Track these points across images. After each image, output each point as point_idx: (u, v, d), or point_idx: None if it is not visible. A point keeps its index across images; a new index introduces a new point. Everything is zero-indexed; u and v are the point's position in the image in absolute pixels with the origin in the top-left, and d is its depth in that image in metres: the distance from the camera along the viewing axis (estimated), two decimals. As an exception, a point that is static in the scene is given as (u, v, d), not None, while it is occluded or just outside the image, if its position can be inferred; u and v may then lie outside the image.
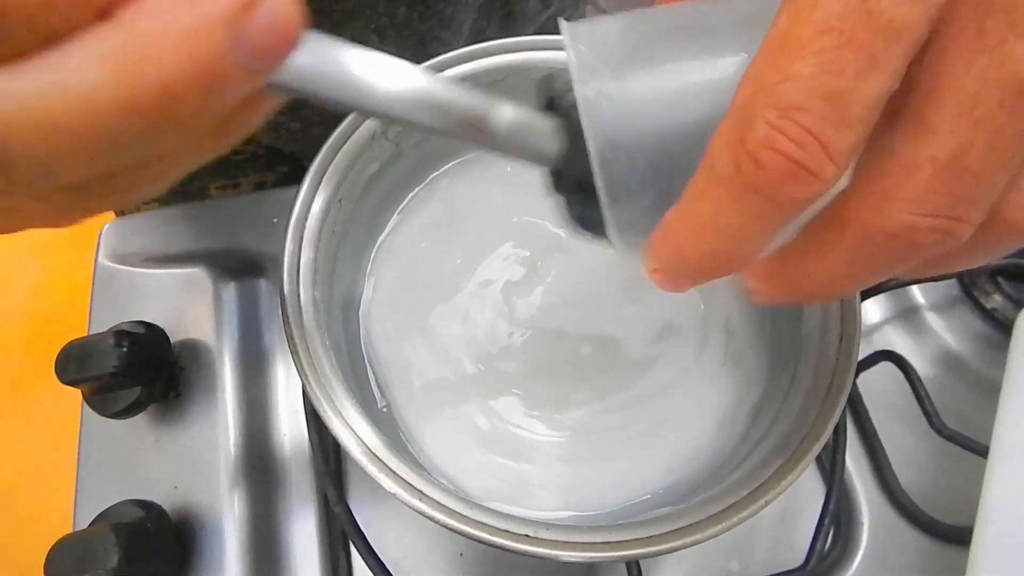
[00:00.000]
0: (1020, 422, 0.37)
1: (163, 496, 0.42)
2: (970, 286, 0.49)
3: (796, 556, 0.40)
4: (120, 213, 0.62)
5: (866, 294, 0.46)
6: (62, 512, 0.42)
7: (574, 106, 0.26)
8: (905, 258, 0.19)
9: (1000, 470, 0.37)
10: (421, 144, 0.42)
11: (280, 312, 0.34)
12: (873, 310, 0.50)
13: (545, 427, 0.38)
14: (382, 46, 0.49)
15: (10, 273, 1.68)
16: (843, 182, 0.18)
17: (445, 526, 0.29)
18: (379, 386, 0.39)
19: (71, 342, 0.41)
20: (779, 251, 0.21)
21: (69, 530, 0.40)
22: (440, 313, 0.41)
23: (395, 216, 0.43)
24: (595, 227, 0.27)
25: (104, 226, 0.51)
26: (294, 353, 0.33)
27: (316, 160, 0.37)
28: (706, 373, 0.40)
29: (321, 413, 0.31)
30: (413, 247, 0.42)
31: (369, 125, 0.38)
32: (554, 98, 0.28)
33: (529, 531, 0.29)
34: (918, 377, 0.44)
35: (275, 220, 0.51)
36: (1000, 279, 0.47)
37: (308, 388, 0.32)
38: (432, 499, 0.29)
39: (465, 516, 0.29)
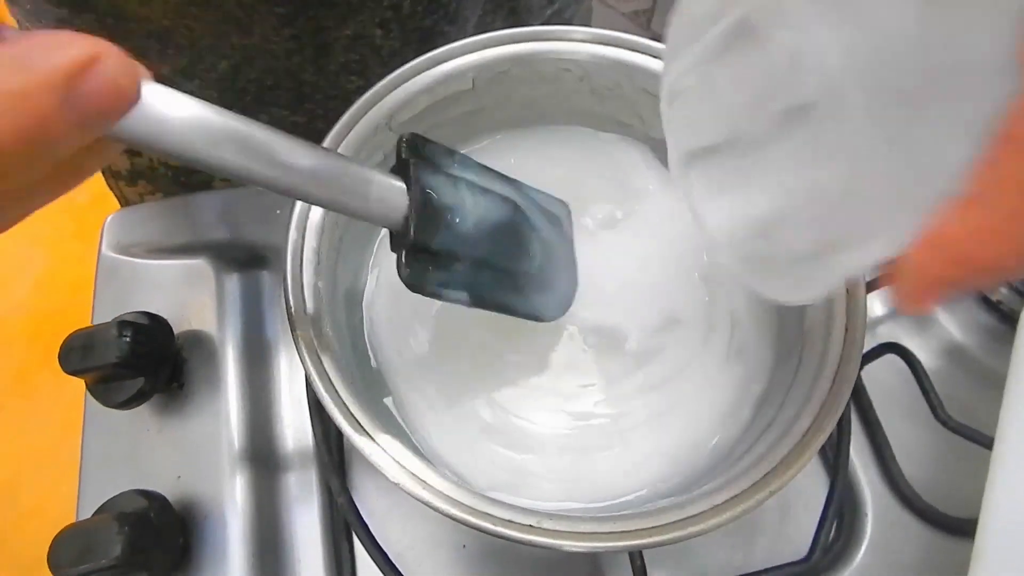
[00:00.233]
0: (1025, 414, 0.37)
1: (166, 486, 0.42)
2: (975, 278, 0.49)
3: (800, 548, 0.40)
4: (124, 203, 0.62)
5: (871, 286, 0.45)
6: (66, 503, 0.42)
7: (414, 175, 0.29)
8: None
9: (1005, 462, 0.36)
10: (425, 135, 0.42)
11: (283, 302, 0.34)
12: (878, 302, 0.50)
13: (549, 418, 0.38)
14: (386, 40, 0.49)
15: (14, 266, 1.69)
16: None
17: (449, 516, 0.29)
18: (382, 376, 0.39)
19: (75, 332, 0.41)
20: None
21: (73, 520, 0.40)
22: (444, 304, 0.41)
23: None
24: (421, 286, 0.30)
25: (108, 217, 0.52)
26: (297, 343, 0.33)
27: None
28: (710, 364, 0.40)
29: (324, 403, 0.31)
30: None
31: (373, 115, 0.38)
32: (403, 161, 0.31)
33: (533, 521, 0.29)
34: (923, 369, 0.44)
35: (278, 212, 0.50)
36: (1006, 271, 0.47)
37: (311, 378, 0.32)
38: (436, 489, 0.29)
39: (469, 506, 0.29)
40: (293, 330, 0.33)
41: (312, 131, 0.56)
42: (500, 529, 0.29)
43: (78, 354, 0.40)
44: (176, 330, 0.46)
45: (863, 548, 0.43)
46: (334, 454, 0.43)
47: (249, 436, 0.44)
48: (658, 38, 0.40)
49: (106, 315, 0.44)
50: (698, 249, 0.42)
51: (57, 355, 0.40)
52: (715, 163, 0.31)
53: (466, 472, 0.37)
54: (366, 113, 0.38)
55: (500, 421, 0.38)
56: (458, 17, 0.52)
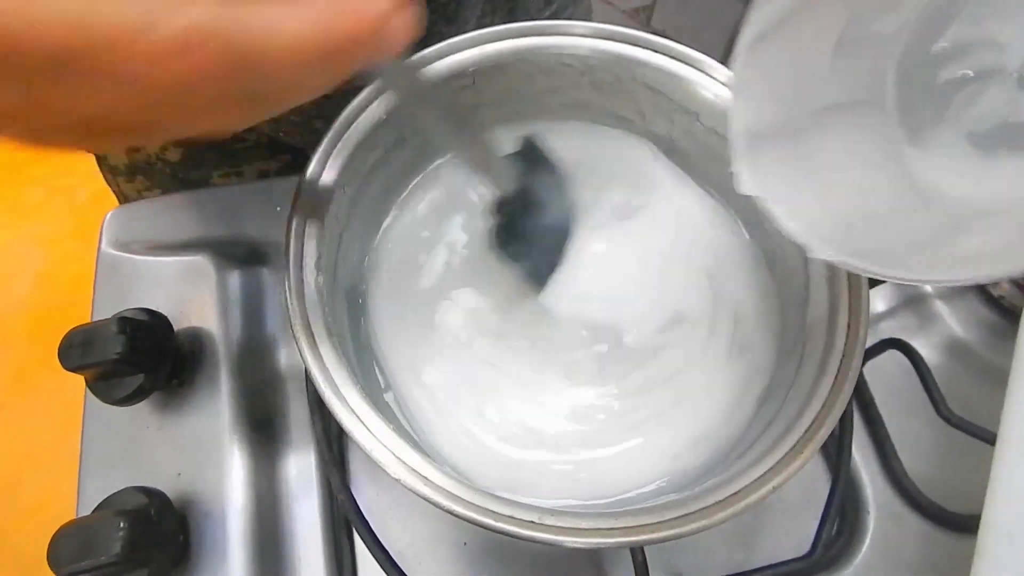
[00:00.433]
0: (1028, 410, 0.37)
1: (166, 483, 0.42)
2: (978, 274, 0.49)
3: (802, 544, 0.40)
4: (122, 199, 0.62)
5: (874, 282, 0.45)
6: (66, 500, 0.42)
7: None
8: None
9: (1008, 458, 0.36)
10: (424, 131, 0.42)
11: (283, 298, 0.34)
12: (881, 298, 0.50)
13: (550, 415, 0.38)
14: None
15: (14, 263, 1.69)
16: None
17: (449, 512, 0.29)
18: (382, 372, 0.39)
19: (74, 328, 0.41)
20: None
21: (73, 517, 0.40)
22: (444, 301, 0.41)
23: (398, 203, 0.43)
24: (512, 254, 0.39)
25: (107, 214, 0.51)
26: (297, 340, 0.32)
27: (320, 147, 0.37)
28: (712, 362, 0.39)
29: (324, 399, 0.31)
30: (417, 234, 0.42)
31: (373, 112, 0.38)
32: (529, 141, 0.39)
33: (534, 517, 0.29)
34: (925, 365, 0.44)
35: (279, 208, 0.50)
36: (1008, 267, 0.47)
37: (311, 374, 0.32)
38: (436, 485, 0.29)
39: (470, 502, 0.29)
40: (293, 326, 0.33)
41: (309, 130, 0.56)
42: (501, 525, 0.28)
43: (78, 351, 0.40)
44: (176, 327, 0.45)
45: (865, 544, 0.43)
46: (334, 450, 0.43)
47: (249, 433, 0.43)
48: (659, 34, 0.39)
49: (106, 312, 0.44)
50: (707, 246, 0.41)
51: (57, 352, 0.40)
52: (798, 148, 0.29)
53: (467, 469, 0.36)
54: (366, 108, 0.38)
55: (501, 418, 0.38)
56: (457, 18, 0.52)
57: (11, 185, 1.78)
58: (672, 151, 0.43)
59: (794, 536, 0.43)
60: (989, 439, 0.38)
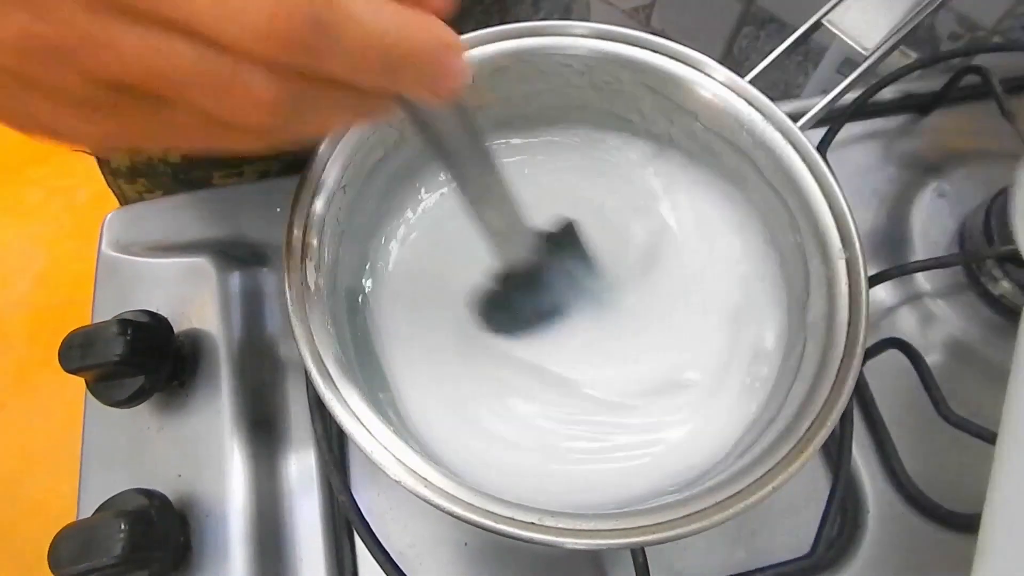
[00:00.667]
0: (1029, 409, 0.37)
1: (167, 484, 0.42)
2: (977, 272, 0.49)
3: (802, 544, 0.40)
4: (123, 201, 0.62)
5: (873, 281, 0.45)
6: (67, 500, 0.42)
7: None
8: None
9: (1008, 457, 0.36)
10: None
11: (283, 300, 0.34)
12: (880, 297, 0.49)
13: (550, 419, 0.38)
14: None
15: (15, 262, 1.69)
16: None
17: (450, 514, 0.29)
18: (383, 374, 0.39)
19: (75, 330, 0.41)
20: None
21: (73, 518, 0.40)
22: (444, 303, 0.41)
23: (399, 203, 0.43)
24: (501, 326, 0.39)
25: (107, 215, 0.51)
26: (297, 341, 0.32)
27: (320, 147, 0.37)
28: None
29: (325, 400, 0.31)
30: (417, 236, 0.42)
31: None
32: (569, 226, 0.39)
33: (534, 518, 0.29)
34: (925, 364, 0.44)
35: (279, 209, 0.50)
36: (1007, 265, 0.47)
37: (311, 376, 0.32)
38: (436, 487, 0.29)
39: (470, 504, 0.29)
40: (293, 328, 0.33)
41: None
42: (501, 527, 0.28)
43: (78, 352, 0.40)
44: (176, 328, 0.45)
45: (866, 544, 0.43)
46: (335, 451, 0.43)
47: (250, 434, 0.43)
48: (658, 34, 0.39)
49: (106, 313, 0.44)
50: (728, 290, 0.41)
51: (57, 353, 0.40)
52: None
53: (467, 470, 0.36)
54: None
55: (500, 421, 0.38)
56: (457, 22, 0.52)
57: (11, 185, 1.78)
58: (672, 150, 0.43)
59: (795, 536, 0.43)
60: (989, 438, 0.38)
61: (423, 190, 0.43)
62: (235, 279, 0.49)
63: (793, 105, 0.51)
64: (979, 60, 0.54)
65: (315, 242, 0.35)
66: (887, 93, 0.54)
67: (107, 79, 0.20)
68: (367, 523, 0.38)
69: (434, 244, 0.42)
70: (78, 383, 0.43)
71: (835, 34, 0.43)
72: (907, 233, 0.51)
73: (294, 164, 0.60)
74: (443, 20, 0.23)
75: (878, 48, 0.43)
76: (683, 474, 0.37)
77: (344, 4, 0.20)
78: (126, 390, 0.41)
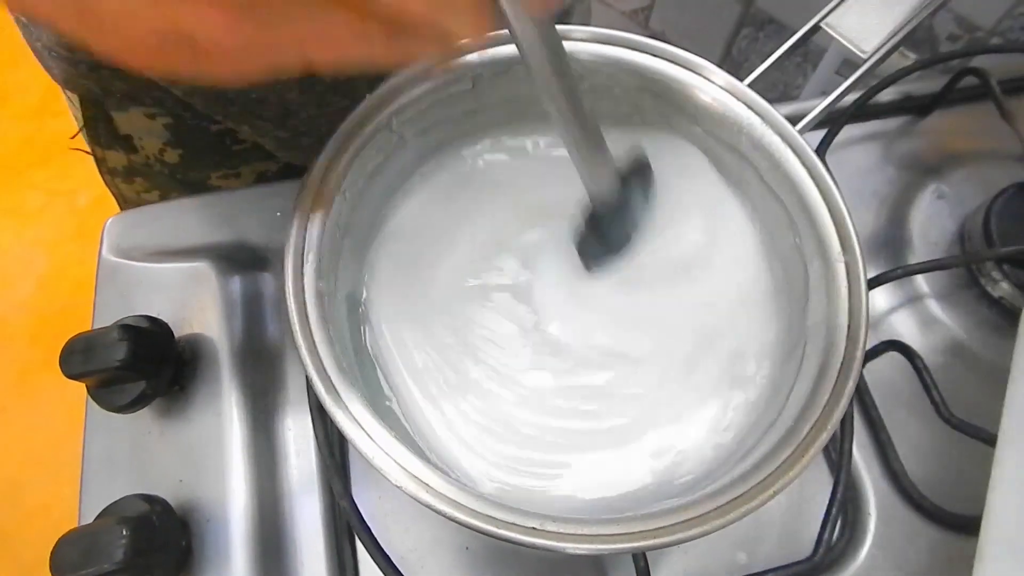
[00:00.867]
0: (1029, 410, 0.37)
1: (168, 490, 0.42)
2: (976, 274, 0.49)
3: (804, 547, 0.40)
4: (120, 200, 0.62)
5: (873, 283, 0.45)
6: (68, 503, 0.42)
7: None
8: None
9: (1008, 458, 0.36)
10: (425, 134, 0.42)
11: (284, 304, 0.34)
12: (880, 300, 0.49)
13: (553, 417, 0.38)
14: None
15: (16, 267, 1.69)
16: None
17: (451, 519, 0.29)
18: (384, 379, 0.39)
19: (76, 336, 0.41)
20: None
21: (75, 523, 0.40)
22: (443, 306, 0.41)
23: (400, 209, 0.43)
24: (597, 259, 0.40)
25: (107, 221, 0.51)
26: (297, 346, 0.33)
27: (321, 151, 0.37)
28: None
29: (326, 406, 0.31)
30: (417, 239, 0.42)
31: (376, 117, 0.38)
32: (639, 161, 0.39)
33: (536, 523, 0.29)
34: (925, 366, 0.44)
35: (279, 213, 0.50)
36: (1007, 267, 0.47)
37: (312, 381, 0.32)
38: (438, 492, 0.29)
39: (471, 509, 0.29)
40: (294, 332, 0.33)
41: (297, 146, 0.56)
42: (503, 532, 0.28)
43: (79, 358, 0.40)
44: (177, 333, 0.46)
45: (867, 546, 0.43)
46: (336, 456, 0.43)
47: (251, 439, 0.43)
48: (656, 37, 0.39)
49: (107, 319, 0.44)
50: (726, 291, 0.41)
51: (58, 359, 0.40)
52: None
53: (471, 474, 0.36)
54: (369, 115, 0.38)
55: (502, 423, 0.38)
56: None
57: (12, 189, 1.78)
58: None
59: (796, 539, 0.43)
60: (990, 440, 0.38)
61: (423, 195, 0.43)
62: (236, 284, 0.49)
63: (792, 107, 0.51)
64: (977, 61, 0.54)
65: (316, 246, 0.35)
66: (886, 95, 0.54)
67: None
68: (368, 527, 0.38)
69: (434, 248, 0.42)
70: (79, 387, 0.43)
71: (833, 37, 0.43)
72: (907, 235, 0.51)
73: (292, 165, 0.61)
74: None
75: (877, 51, 0.43)
76: (686, 460, 0.37)
77: None
78: (127, 395, 0.42)
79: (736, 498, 0.30)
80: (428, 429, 0.38)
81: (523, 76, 0.40)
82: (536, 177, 0.44)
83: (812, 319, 0.36)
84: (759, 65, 0.42)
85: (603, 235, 0.39)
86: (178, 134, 0.55)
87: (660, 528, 0.29)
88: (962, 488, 0.43)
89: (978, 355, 0.48)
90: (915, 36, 0.44)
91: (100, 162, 0.61)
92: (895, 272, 0.47)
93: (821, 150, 0.51)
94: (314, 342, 0.33)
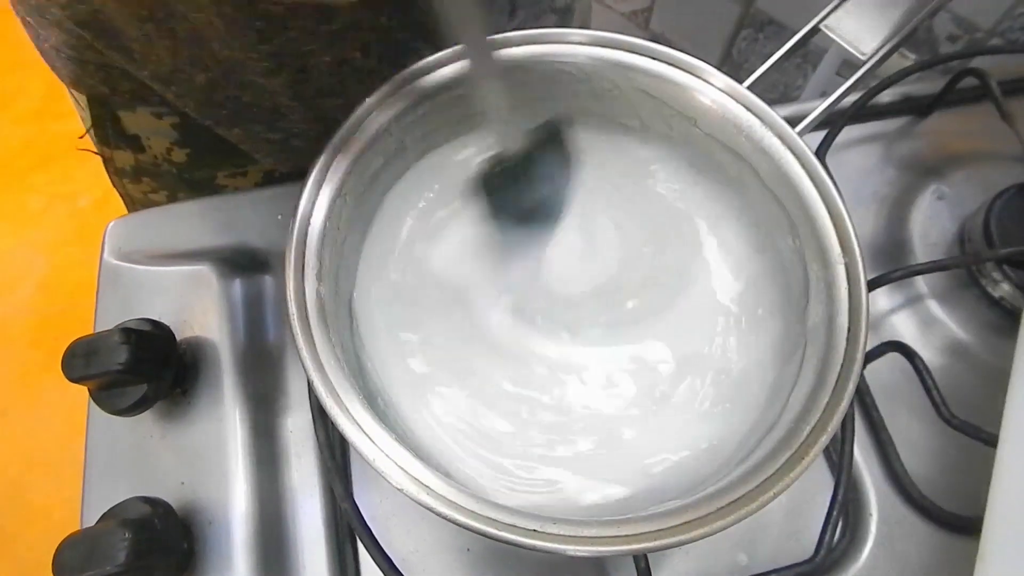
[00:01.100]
0: (1029, 411, 0.37)
1: (170, 492, 0.42)
2: (977, 275, 0.49)
3: (805, 548, 0.40)
4: (128, 201, 0.63)
5: (873, 284, 0.45)
6: (70, 506, 0.43)
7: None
8: None
9: (1010, 459, 0.36)
10: (425, 138, 0.42)
11: (284, 307, 0.34)
12: (880, 301, 0.49)
13: (551, 420, 0.38)
14: (366, 61, 0.49)
15: (17, 270, 1.69)
16: None
17: (452, 521, 0.29)
18: (382, 382, 0.39)
19: (77, 339, 0.41)
20: None
21: (77, 526, 0.40)
22: (440, 311, 0.41)
23: (400, 212, 0.43)
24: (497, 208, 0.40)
25: (109, 224, 0.52)
26: (299, 348, 0.33)
27: (321, 155, 0.37)
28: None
29: (326, 408, 0.31)
30: (417, 243, 0.42)
31: (375, 120, 0.38)
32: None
33: (536, 525, 0.29)
34: (926, 367, 0.44)
35: (280, 217, 0.51)
36: (1007, 267, 0.47)
37: (313, 383, 0.32)
38: (438, 494, 0.29)
39: (471, 511, 0.29)
40: (295, 335, 0.33)
41: (288, 148, 0.56)
42: (503, 534, 0.29)
43: (81, 361, 0.40)
44: (179, 336, 0.46)
45: (868, 547, 0.43)
46: (337, 459, 0.43)
47: (252, 442, 0.44)
48: (656, 38, 0.40)
49: (109, 322, 0.44)
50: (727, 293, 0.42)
51: (60, 361, 0.40)
52: None
53: (467, 479, 0.36)
54: (368, 117, 0.38)
55: (498, 426, 0.38)
56: (434, 35, 0.52)
57: (13, 192, 1.78)
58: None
59: (797, 539, 0.43)
60: (991, 441, 0.38)
61: (422, 198, 0.44)
62: (237, 287, 0.49)
63: (792, 108, 0.51)
64: (977, 62, 0.54)
65: (316, 249, 0.36)
66: (886, 96, 0.54)
67: None
68: (370, 529, 0.38)
69: (433, 252, 0.42)
70: (80, 389, 0.43)
71: (833, 38, 0.43)
72: (907, 236, 0.51)
73: (297, 168, 0.61)
74: None
75: (876, 52, 0.43)
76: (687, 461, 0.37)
77: None
78: (129, 398, 0.42)
79: (737, 499, 0.30)
80: (420, 434, 0.38)
81: (520, 80, 0.41)
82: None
83: (812, 320, 0.36)
84: (759, 66, 0.42)
85: (508, 184, 0.40)
86: (185, 133, 0.55)
87: (661, 530, 0.29)
88: (963, 489, 0.43)
89: (979, 356, 0.48)
90: (915, 37, 0.44)
91: (108, 162, 0.61)
92: (895, 273, 0.47)
93: (821, 151, 0.51)
94: (315, 345, 0.33)
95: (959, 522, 0.42)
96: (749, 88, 0.39)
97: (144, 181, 0.60)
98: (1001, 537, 0.35)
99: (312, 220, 0.36)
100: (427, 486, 0.30)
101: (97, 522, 0.39)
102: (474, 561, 0.42)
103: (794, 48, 0.44)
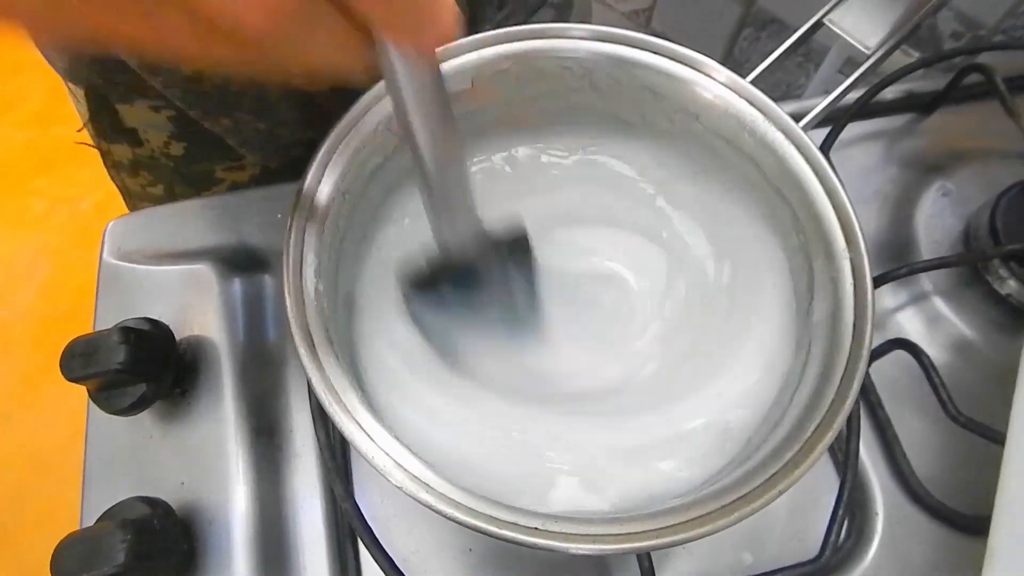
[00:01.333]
0: (1037, 408, 0.37)
1: (170, 493, 0.42)
2: (983, 272, 0.48)
3: (810, 547, 0.40)
4: (125, 193, 0.62)
5: (878, 282, 0.45)
6: (72, 509, 0.42)
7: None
8: None
9: (1017, 457, 0.36)
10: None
11: (283, 306, 0.34)
12: (885, 298, 0.49)
13: (552, 422, 0.38)
14: None
15: (19, 273, 1.69)
16: None
17: (452, 519, 0.28)
18: (380, 381, 0.39)
19: (76, 339, 0.41)
20: None
21: (78, 528, 0.40)
22: (438, 310, 0.40)
23: (398, 210, 0.43)
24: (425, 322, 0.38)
25: (109, 224, 0.51)
26: (297, 347, 0.32)
27: (319, 152, 0.37)
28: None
29: (326, 407, 0.31)
30: (416, 241, 0.42)
31: (373, 115, 0.38)
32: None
33: (538, 523, 0.29)
34: (932, 364, 0.43)
35: (279, 216, 0.50)
36: (1013, 264, 0.46)
37: (312, 383, 0.31)
38: (439, 492, 0.29)
39: (472, 509, 0.29)
40: (293, 334, 0.33)
41: (274, 138, 0.55)
42: (504, 532, 0.28)
43: (80, 361, 0.40)
44: (178, 336, 0.45)
45: (874, 546, 0.42)
46: (338, 459, 0.43)
47: (252, 441, 0.43)
48: (658, 36, 0.39)
49: (108, 322, 0.44)
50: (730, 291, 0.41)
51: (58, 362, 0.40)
52: None
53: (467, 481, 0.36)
54: (367, 113, 0.38)
55: (495, 427, 0.37)
56: None
57: (14, 196, 1.78)
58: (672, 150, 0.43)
59: (802, 539, 0.43)
60: (998, 439, 0.38)
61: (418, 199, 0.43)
62: (236, 286, 0.49)
63: (795, 105, 0.51)
64: (981, 59, 0.54)
65: (315, 248, 0.35)
66: (889, 93, 0.54)
67: None
68: (371, 530, 0.38)
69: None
70: (83, 391, 0.43)
71: (837, 34, 0.43)
72: (911, 233, 0.51)
73: (301, 158, 0.60)
74: None
75: (880, 47, 0.42)
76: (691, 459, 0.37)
77: None
78: (128, 398, 0.41)
79: (741, 497, 0.30)
80: (415, 433, 0.37)
81: (521, 75, 0.40)
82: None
83: (817, 317, 0.36)
84: (761, 65, 0.42)
85: (438, 288, 0.37)
86: (182, 127, 0.55)
87: (664, 528, 0.29)
88: (970, 487, 0.43)
89: (985, 353, 0.47)
90: (918, 35, 0.44)
91: (105, 156, 0.61)
92: (900, 270, 0.46)
93: (824, 148, 0.50)
94: (313, 343, 0.33)
95: (966, 521, 0.42)
96: (751, 84, 0.39)
97: (141, 175, 0.60)
98: (1009, 536, 0.35)
99: (311, 217, 0.36)
100: (427, 484, 0.29)
101: (96, 522, 0.39)
102: (476, 561, 0.42)
103: (797, 44, 0.44)
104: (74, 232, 1.74)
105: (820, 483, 0.44)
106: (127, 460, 0.43)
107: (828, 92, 0.43)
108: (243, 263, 0.49)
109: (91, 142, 0.59)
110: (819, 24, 0.44)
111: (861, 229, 0.35)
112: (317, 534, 0.42)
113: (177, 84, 0.50)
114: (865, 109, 0.52)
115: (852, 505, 0.43)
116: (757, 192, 0.40)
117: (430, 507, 0.29)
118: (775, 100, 0.38)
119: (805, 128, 0.38)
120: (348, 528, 0.43)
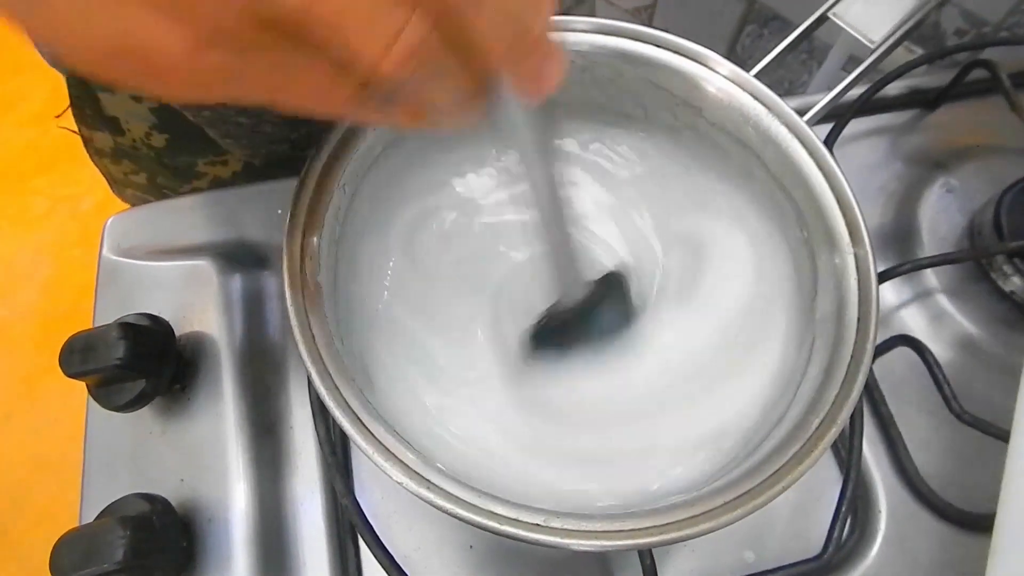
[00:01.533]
0: (1042, 405, 0.37)
1: (169, 489, 0.41)
2: (987, 268, 0.48)
3: (813, 545, 0.40)
4: (110, 180, 0.62)
5: (882, 278, 0.45)
6: (74, 508, 0.42)
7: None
8: None
9: (1022, 454, 0.36)
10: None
11: (283, 302, 0.33)
12: (890, 294, 0.49)
13: (552, 423, 0.38)
14: None
15: (21, 272, 1.69)
16: None
17: (453, 515, 0.28)
18: (381, 377, 0.38)
19: (75, 334, 0.41)
20: None
21: (78, 525, 0.40)
22: (438, 305, 0.40)
23: (397, 203, 0.43)
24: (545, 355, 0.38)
25: (108, 220, 0.51)
26: (298, 343, 0.32)
27: (318, 145, 0.37)
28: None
29: (326, 403, 0.31)
30: (415, 234, 0.42)
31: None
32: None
33: (540, 520, 0.28)
34: (936, 361, 0.43)
35: (279, 211, 0.50)
36: (1018, 260, 0.46)
37: (313, 379, 0.31)
38: (440, 488, 0.29)
39: (473, 504, 0.28)
40: (294, 329, 0.32)
41: (259, 134, 0.55)
42: (506, 528, 0.28)
43: (79, 356, 0.40)
44: (178, 332, 0.45)
45: (877, 544, 0.42)
46: (338, 455, 0.43)
47: (252, 438, 0.43)
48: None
49: (107, 318, 0.44)
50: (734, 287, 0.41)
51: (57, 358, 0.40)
52: None
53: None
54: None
55: (497, 425, 0.37)
56: None
57: (16, 195, 1.78)
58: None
59: (805, 536, 0.43)
60: (1002, 436, 0.38)
61: (421, 189, 0.43)
62: (236, 282, 0.48)
63: (798, 101, 0.51)
64: (986, 55, 0.53)
65: (315, 243, 0.35)
66: (893, 88, 0.54)
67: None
68: (371, 527, 0.37)
69: (431, 242, 0.42)
70: (84, 391, 0.42)
71: (841, 27, 0.43)
72: (915, 229, 0.51)
73: (291, 154, 0.60)
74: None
75: (884, 41, 0.42)
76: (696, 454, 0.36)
77: None
78: (127, 394, 0.41)
79: (744, 494, 0.30)
80: (415, 430, 0.37)
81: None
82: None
83: (821, 313, 0.36)
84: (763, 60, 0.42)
85: (560, 331, 0.38)
86: (164, 118, 0.55)
87: (667, 524, 0.29)
88: (974, 485, 0.43)
89: (989, 350, 0.47)
90: (922, 32, 0.44)
91: (87, 142, 0.60)
92: (904, 266, 0.46)
93: (828, 144, 0.50)
94: (314, 339, 0.32)
95: (970, 519, 0.42)
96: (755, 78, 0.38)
97: (124, 163, 0.60)
98: (1013, 534, 0.34)
99: (310, 211, 0.35)
100: (428, 480, 0.29)
101: (95, 519, 0.39)
102: (477, 559, 0.42)
103: (799, 40, 0.43)
104: (75, 231, 1.74)
105: (823, 480, 0.44)
106: (126, 456, 0.43)
107: (831, 89, 0.43)
108: (243, 259, 0.49)
109: (74, 127, 0.58)
110: (824, 18, 0.44)
111: (866, 224, 0.35)
112: (317, 531, 0.42)
113: None
114: (868, 105, 0.52)
115: (855, 502, 0.43)
116: (760, 187, 0.40)
117: (431, 503, 0.28)
118: (778, 95, 0.38)
119: (808, 123, 0.38)
120: (348, 525, 0.43)
